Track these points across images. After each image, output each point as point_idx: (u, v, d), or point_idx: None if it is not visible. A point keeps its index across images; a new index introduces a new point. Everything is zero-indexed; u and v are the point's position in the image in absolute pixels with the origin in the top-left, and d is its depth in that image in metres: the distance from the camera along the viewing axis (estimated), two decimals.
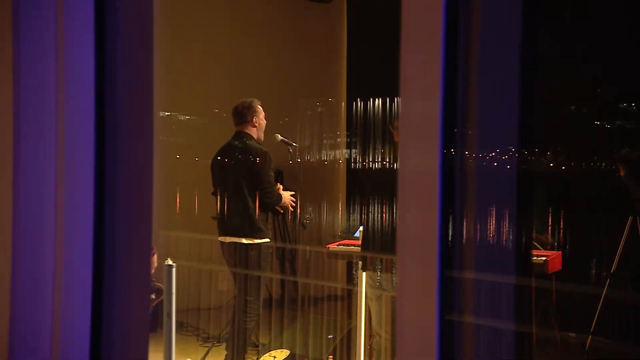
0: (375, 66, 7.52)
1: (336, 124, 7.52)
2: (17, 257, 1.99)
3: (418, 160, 1.26)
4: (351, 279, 4.82)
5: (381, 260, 3.67)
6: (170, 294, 2.65)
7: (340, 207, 6.89)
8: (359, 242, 4.36)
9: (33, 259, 2.01)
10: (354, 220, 4.86)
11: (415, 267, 1.30)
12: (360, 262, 4.25)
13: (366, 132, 7.48)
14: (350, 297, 5.13)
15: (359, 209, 4.12)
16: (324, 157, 7.16)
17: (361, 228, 4.51)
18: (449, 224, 1.20)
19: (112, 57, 2.09)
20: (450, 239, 1.21)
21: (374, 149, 7.06)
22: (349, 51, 7.79)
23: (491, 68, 1.24)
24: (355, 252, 4.04)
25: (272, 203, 4.44)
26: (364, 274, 4.29)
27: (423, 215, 1.24)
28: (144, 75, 2.13)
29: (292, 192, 4.60)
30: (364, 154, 7.38)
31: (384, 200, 3.72)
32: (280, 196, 4.47)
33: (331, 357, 4.77)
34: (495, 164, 1.25)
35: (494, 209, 1.23)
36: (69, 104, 2.04)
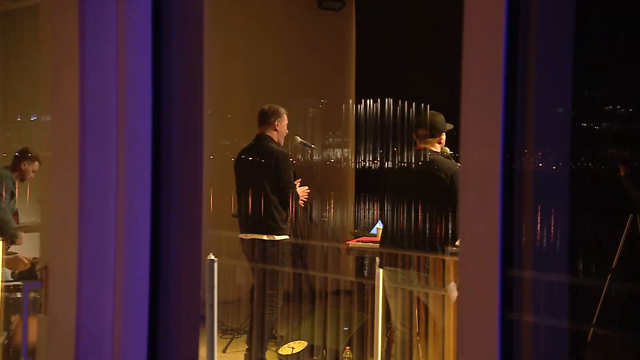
0: (382, 69, 7.61)
1: (344, 124, 7.59)
2: (82, 259, 2.04)
3: (479, 161, 1.31)
4: (362, 274, 4.88)
5: (401, 256, 3.73)
6: (212, 286, 2.73)
7: (350, 205, 6.95)
8: (377, 238, 4.43)
9: (96, 259, 2.07)
10: (368, 218, 4.91)
11: (477, 266, 1.34)
12: (378, 259, 4.32)
13: (374, 132, 7.57)
14: (362, 292, 5.19)
15: (378, 207, 4.17)
16: (332, 157, 7.22)
17: (378, 225, 4.57)
18: (509, 223, 1.25)
19: (168, 64, 2.15)
20: (510, 238, 1.26)
21: (383, 148, 7.14)
22: (357, 55, 7.85)
23: (547, 73, 1.29)
24: (375, 248, 4.10)
25: (292, 201, 4.52)
26: (381, 270, 4.36)
27: (484, 215, 1.29)
28: (195, 82, 2.20)
29: (306, 187, 4.66)
30: (372, 153, 7.47)
31: (403, 199, 3.77)
32: (299, 195, 4.54)
33: (348, 348, 4.84)
34: (554, 167, 1.31)
35: (551, 209, 1.28)
36: (128, 110, 2.10)
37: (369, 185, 6.53)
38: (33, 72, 5.37)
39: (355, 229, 4.98)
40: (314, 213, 5.20)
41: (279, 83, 6.80)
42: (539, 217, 1.26)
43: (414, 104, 7.25)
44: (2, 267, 3.22)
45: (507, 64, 1.26)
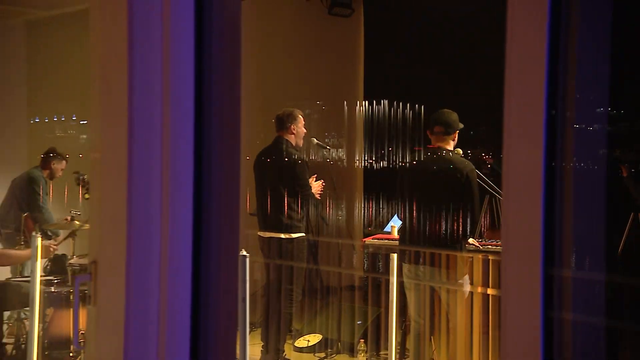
0: (388, 72, 7.71)
1: (348, 125, 7.65)
2: (130, 254, 2.10)
3: (522, 161, 1.34)
4: (377, 270, 4.93)
5: (420, 252, 3.78)
6: (244, 281, 2.79)
7: (359, 204, 6.99)
8: (390, 236, 4.49)
9: (143, 254, 2.12)
10: (382, 216, 4.96)
11: (520, 264, 1.37)
12: (393, 255, 4.37)
13: (381, 132, 7.64)
14: (375, 286, 5.24)
15: (389, 205, 4.23)
16: (340, 157, 7.27)
17: (391, 223, 4.63)
18: (551, 223, 1.29)
19: (209, 71, 2.21)
20: (552, 237, 1.29)
21: (391, 148, 7.19)
22: (365, 59, 7.92)
23: (587, 74, 1.32)
24: (391, 245, 4.15)
25: (308, 202, 4.58)
26: (395, 264, 4.42)
27: (527, 214, 1.33)
28: (233, 88, 2.26)
29: (321, 181, 4.71)
30: (380, 153, 7.53)
31: (420, 197, 3.83)
32: (313, 195, 4.60)
33: (362, 341, 4.90)
34: (596, 166, 1.34)
35: (592, 208, 1.32)
36: (172, 114, 2.16)
37: (378, 184, 6.60)
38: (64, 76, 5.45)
39: (369, 227, 5.02)
40: (328, 211, 5.25)
41: (291, 85, 6.86)
42: (579, 217, 1.29)
43: (417, 105, 7.34)
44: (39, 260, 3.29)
45: (549, 64, 1.30)
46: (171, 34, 2.13)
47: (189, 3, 2.16)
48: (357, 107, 7.74)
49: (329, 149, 4.81)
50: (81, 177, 4.17)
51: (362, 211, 6.14)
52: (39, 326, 3.93)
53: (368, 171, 7.50)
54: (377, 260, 4.71)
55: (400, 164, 6.19)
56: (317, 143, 4.89)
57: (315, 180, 4.67)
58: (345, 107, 7.58)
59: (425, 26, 7.42)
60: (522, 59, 1.36)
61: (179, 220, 2.16)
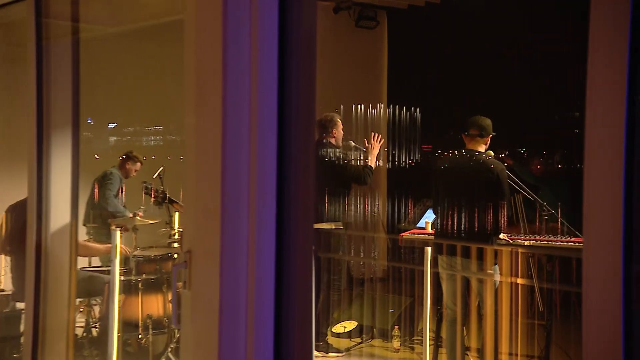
0: (409, 79, 7.89)
1: (374, 128, 7.76)
2: (223, 244, 2.23)
3: (603, 160, 1.40)
4: (412, 261, 5.03)
5: (455, 245, 3.89)
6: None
7: (383, 202, 7.10)
8: (425, 230, 4.60)
9: (233, 244, 2.25)
10: (415, 213, 5.06)
11: (600, 261, 1.41)
12: (427, 248, 4.49)
13: (404, 134, 7.76)
14: (407, 277, 5.35)
15: (413, 203, 4.33)
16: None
17: (425, 219, 4.74)
18: (630, 220, 1.33)
19: (289, 80, 2.34)
20: (632, 233, 1.33)
21: (415, 148, 7.29)
22: (389, 66, 8.08)
23: None
24: (427, 239, 4.26)
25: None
26: (429, 256, 4.53)
27: (608, 213, 1.39)
28: (309, 96, 2.39)
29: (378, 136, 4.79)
30: (405, 153, 7.63)
31: (455, 195, 3.93)
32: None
33: (397, 327, 5.01)
34: None
35: None
36: (259, 121, 2.29)
37: (401, 183, 6.72)
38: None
39: (402, 223, 5.14)
40: (366, 208, 5.38)
41: (322, 91, 6.98)
42: None
43: (435, 109, 7.44)
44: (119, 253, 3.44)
45: (630, 60, 1.36)
46: (259, 48, 2.26)
47: (273, 22, 2.29)
48: (381, 111, 7.86)
49: (365, 150, 4.94)
50: (149, 186, 4.33)
51: (393, 208, 6.23)
52: (113, 312, 4.09)
53: (390, 171, 7.65)
54: (412, 252, 4.82)
55: (431, 163, 6.31)
56: (354, 145, 5.02)
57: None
58: (370, 111, 7.70)
59: (442, 36, 7.58)
60: (603, 56, 1.42)
61: (265, 214, 2.29)
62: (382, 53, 8.01)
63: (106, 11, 3.73)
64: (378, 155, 4.83)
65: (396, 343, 4.91)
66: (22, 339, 4.24)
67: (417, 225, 4.83)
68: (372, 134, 4.89)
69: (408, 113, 7.97)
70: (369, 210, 5.61)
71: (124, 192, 4.81)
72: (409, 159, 8.34)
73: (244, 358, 2.24)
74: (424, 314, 4.57)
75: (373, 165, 4.77)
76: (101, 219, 4.50)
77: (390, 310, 5.25)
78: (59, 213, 3.18)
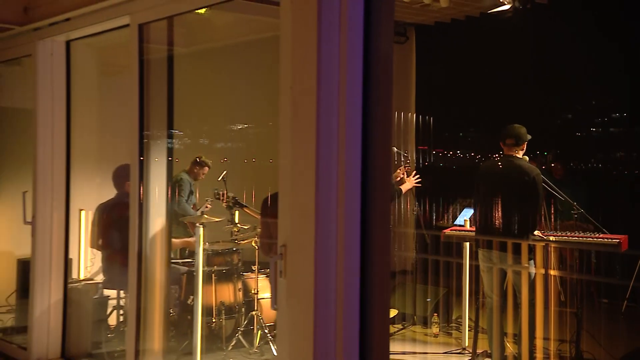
0: (435, 89, 8.08)
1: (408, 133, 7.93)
2: (317, 238, 2.40)
3: None
4: (450, 255, 5.14)
5: (494, 240, 4.03)
6: None
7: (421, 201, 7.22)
8: (463, 227, 4.74)
9: (325, 238, 2.42)
10: (453, 211, 5.20)
11: None
12: (466, 243, 4.63)
13: (430, 139, 7.91)
14: (439, 270, 5.48)
15: (475, 203, 4.38)
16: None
17: (464, 217, 4.87)
18: None
19: (373, 92, 2.50)
20: None
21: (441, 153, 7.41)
22: (417, 79, 8.26)
23: None
24: (468, 235, 4.40)
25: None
26: (468, 251, 4.67)
27: None
28: (387, 106, 2.54)
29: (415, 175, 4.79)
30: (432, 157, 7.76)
31: (495, 196, 4.07)
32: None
33: (436, 314, 5.15)
34: None
35: None
36: (347, 132, 2.45)
37: (437, 185, 6.86)
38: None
39: (440, 221, 5.28)
40: (408, 206, 5.52)
41: None
42: None
43: (457, 117, 7.55)
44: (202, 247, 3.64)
45: None
46: (347, 72, 2.43)
47: (358, 49, 2.46)
48: (410, 119, 8.03)
49: (407, 154, 5.08)
50: (219, 192, 4.53)
51: (430, 206, 6.34)
52: (187, 299, 4.31)
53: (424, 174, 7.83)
54: (448, 247, 4.95)
55: (457, 166, 6.43)
56: (397, 151, 5.17)
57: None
58: (401, 119, 7.86)
59: (466, 50, 7.76)
60: None
61: (351, 215, 2.45)
62: (411, 66, 8.16)
63: (189, 35, 3.95)
64: (410, 189, 4.75)
65: (435, 329, 5.06)
66: (109, 320, 4.48)
67: (455, 222, 4.96)
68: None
69: (434, 121, 8.16)
70: (409, 209, 5.75)
71: (196, 193, 5.01)
72: (439, 163, 8.51)
73: (334, 335, 2.42)
74: (463, 302, 4.72)
75: (403, 191, 4.70)
76: (176, 218, 4.71)
77: (427, 300, 5.40)
78: (156, 211, 3.39)
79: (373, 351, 2.51)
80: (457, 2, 6.51)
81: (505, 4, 5.50)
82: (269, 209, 3.63)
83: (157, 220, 3.38)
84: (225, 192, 4.50)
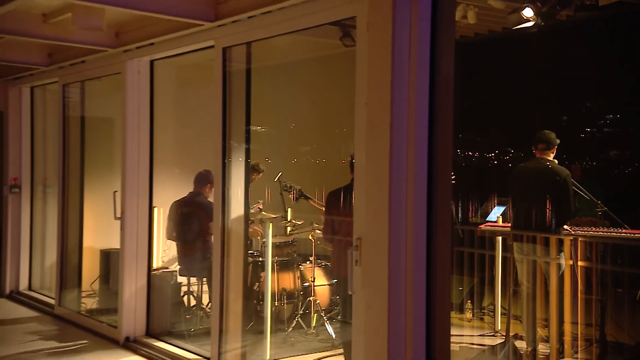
0: (460, 101, 8.25)
1: None
2: (391, 231, 2.59)
3: None
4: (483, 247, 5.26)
5: (528, 235, 4.19)
6: None
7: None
8: (496, 223, 4.89)
9: (397, 231, 2.61)
10: (486, 208, 5.33)
11: None
12: (499, 237, 4.78)
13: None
14: (472, 262, 5.61)
15: (511, 201, 4.51)
16: None
17: (497, 214, 5.02)
18: None
19: (438, 96, 2.66)
20: None
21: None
22: None
23: None
24: (503, 230, 4.56)
25: None
26: (500, 245, 4.82)
27: None
28: (448, 111, 2.72)
29: None
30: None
31: (529, 194, 4.23)
32: None
33: (469, 301, 5.31)
34: None
35: None
36: (415, 135, 2.63)
37: (469, 184, 6.97)
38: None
39: (472, 217, 5.43)
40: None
41: None
42: None
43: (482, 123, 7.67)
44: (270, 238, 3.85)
45: None
46: (416, 90, 2.63)
47: (425, 70, 2.65)
48: None
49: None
50: (288, 185, 4.73)
51: (463, 204, 6.43)
52: (253, 285, 4.54)
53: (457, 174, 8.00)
54: (481, 240, 5.09)
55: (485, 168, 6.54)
56: None
57: None
58: None
59: (491, 63, 7.94)
60: None
61: (418, 214, 2.63)
62: None
63: (265, 51, 4.17)
64: None
65: (468, 314, 5.21)
66: (185, 299, 4.71)
67: (488, 218, 5.11)
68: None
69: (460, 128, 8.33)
70: None
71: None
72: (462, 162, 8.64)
73: (404, 315, 2.61)
74: (495, 290, 4.88)
75: None
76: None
77: (460, 289, 5.54)
78: (236, 206, 3.62)
79: (437, 330, 2.70)
80: (482, 19, 6.64)
81: (530, 21, 5.58)
82: (333, 201, 3.76)
83: (235, 216, 3.61)
84: (292, 186, 4.71)
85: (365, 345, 2.68)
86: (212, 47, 3.51)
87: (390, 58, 2.57)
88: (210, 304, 4.60)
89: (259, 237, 4.72)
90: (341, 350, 3.89)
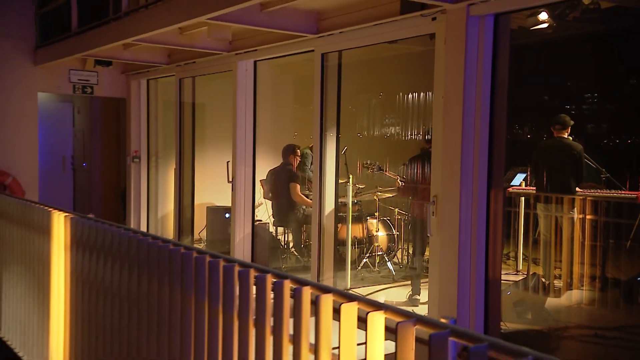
0: None
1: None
2: (461, 192, 3.07)
3: None
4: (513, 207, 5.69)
5: (549, 196, 4.63)
6: None
7: None
8: (520, 187, 5.32)
9: (467, 193, 3.09)
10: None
11: None
12: (522, 198, 5.21)
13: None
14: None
15: (534, 170, 4.91)
16: None
17: (520, 179, 5.44)
18: None
19: (496, 96, 3.09)
20: None
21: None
22: None
23: None
24: (528, 192, 5.01)
25: None
26: (523, 204, 5.25)
27: None
28: (504, 95, 3.14)
29: None
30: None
31: (549, 165, 4.65)
32: None
33: None
34: None
35: None
36: (480, 125, 3.07)
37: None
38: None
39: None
40: None
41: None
42: None
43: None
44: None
45: None
46: (482, 86, 3.06)
47: (487, 71, 3.08)
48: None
49: None
50: (368, 162, 5.17)
51: None
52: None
53: None
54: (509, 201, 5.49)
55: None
56: None
57: None
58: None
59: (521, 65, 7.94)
60: None
61: (481, 178, 3.10)
62: None
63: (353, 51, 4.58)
64: None
65: None
66: (282, 244, 5.30)
67: (512, 183, 5.52)
68: None
69: None
70: None
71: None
72: None
73: (469, 253, 3.12)
74: (518, 240, 5.34)
75: None
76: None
77: None
78: (329, 175, 4.14)
79: (491, 260, 3.20)
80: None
81: (545, 23, 5.74)
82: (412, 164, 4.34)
83: (329, 184, 4.14)
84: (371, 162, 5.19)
85: (440, 274, 3.20)
86: (311, 51, 3.96)
87: (463, 64, 3.00)
88: (293, 247, 5.25)
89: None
90: (399, 283, 4.46)
